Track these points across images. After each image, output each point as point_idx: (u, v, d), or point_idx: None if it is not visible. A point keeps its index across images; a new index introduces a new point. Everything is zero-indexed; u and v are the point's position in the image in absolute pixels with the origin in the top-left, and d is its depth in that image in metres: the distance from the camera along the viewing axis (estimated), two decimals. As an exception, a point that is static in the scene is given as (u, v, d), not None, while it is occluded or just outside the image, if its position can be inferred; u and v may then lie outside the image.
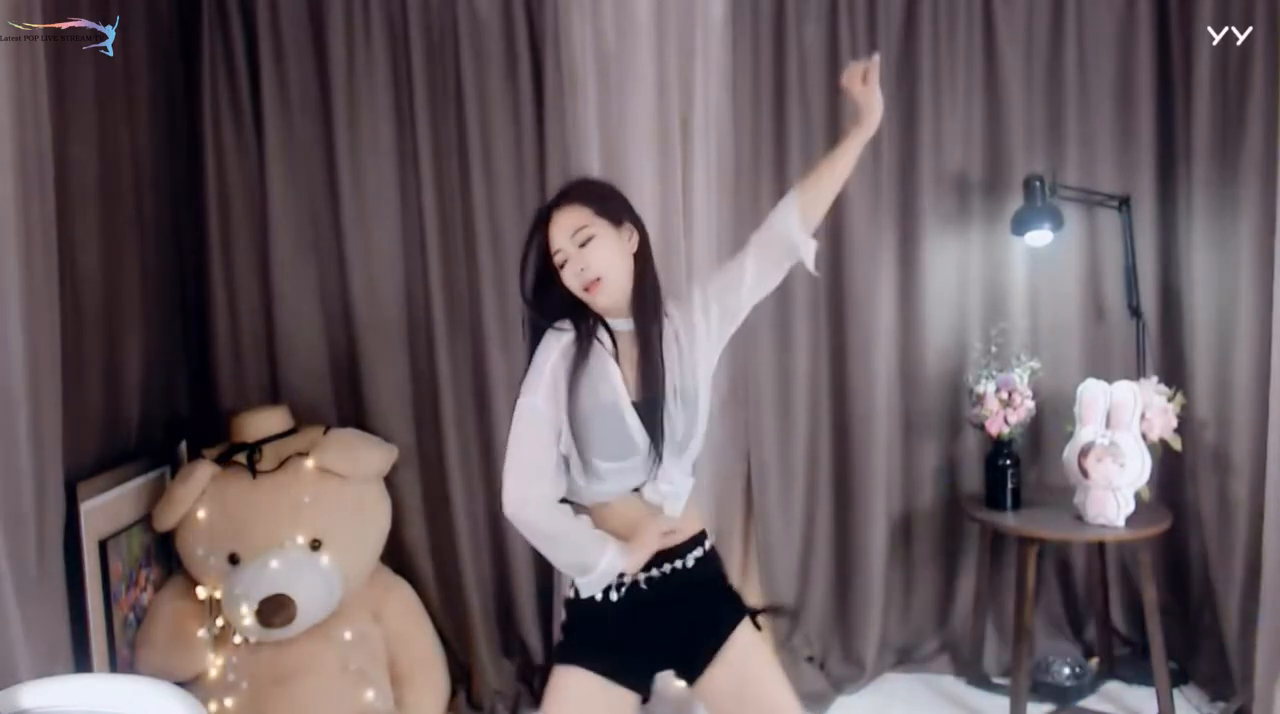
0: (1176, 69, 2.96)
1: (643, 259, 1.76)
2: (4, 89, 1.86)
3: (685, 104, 3.01)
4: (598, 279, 1.70)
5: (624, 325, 1.77)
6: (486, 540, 3.12)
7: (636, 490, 1.76)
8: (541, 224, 1.76)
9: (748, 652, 1.80)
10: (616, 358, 1.74)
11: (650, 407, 1.72)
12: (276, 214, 2.99)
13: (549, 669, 1.82)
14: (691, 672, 1.81)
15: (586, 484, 1.74)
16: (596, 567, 1.71)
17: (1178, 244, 3.01)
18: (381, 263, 3.03)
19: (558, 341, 1.73)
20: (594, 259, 1.70)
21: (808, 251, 1.80)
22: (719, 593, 1.84)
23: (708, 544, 1.86)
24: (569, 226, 1.72)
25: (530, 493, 1.70)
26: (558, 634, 1.88)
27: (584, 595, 1.76)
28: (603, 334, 1.76)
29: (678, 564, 1.79)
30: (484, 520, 3.11)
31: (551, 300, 1.77)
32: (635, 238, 1.77)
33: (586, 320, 1.76)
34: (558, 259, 1.73)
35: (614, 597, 1.76)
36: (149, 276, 2.73)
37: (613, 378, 1.72)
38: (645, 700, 1.82)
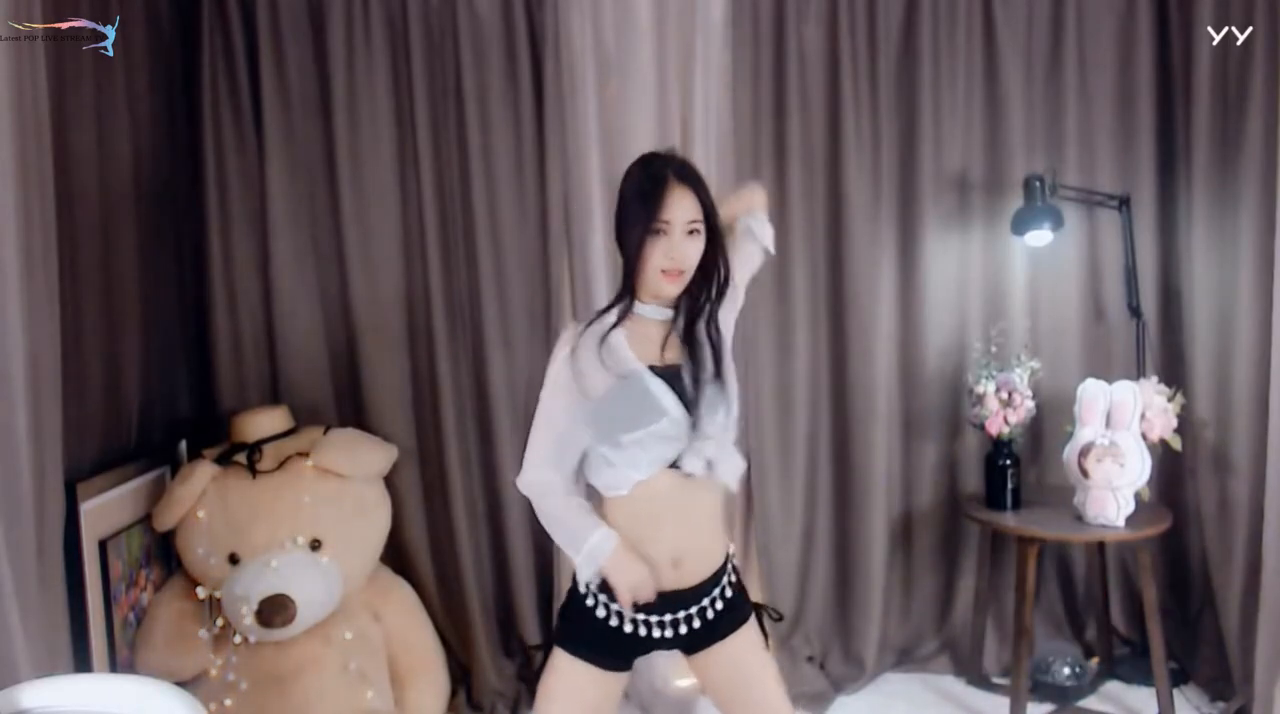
0: (1176, 69, 2.96)
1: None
2: (4, 89, 1.85)
3: (685, 104, 3.01)
4: (682, 272, 1.71)
5: (656, 313, 1.78)
6: (486, 540, 3.12)
7: (674, 466, 1.72)
8: (660, 188, 1.68)
9: (749, 647, 1.82)
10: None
11: (672, 374, 1.73)
12: (276, 214, 2.99)
13: (548, 648, 1.81)
14: (688, 651, 1.82)
15: (621, 464, 1.72)
16: (580, 550, 1.71)
17: (1178, 244, 3.01)
18: (381, 263, 3.03)
19: (567, 342, 1.77)
20: (692, 255, 1.72)
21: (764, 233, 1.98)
22: (733, 604, 1.83)
23: (733, 576, 1.85)
24: (690, 212, 1.70)
25: (532, 476, 1.78)
26: (556, 614, 1.89)
27: (580, 587, 1.75)
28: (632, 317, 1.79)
29: (699, 619, 1.77)
30: (484, 520, 3.11)
31: None
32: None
33: (624, 301, 1.77)
34: (658, 227, 1.68)
35: (626, 628, 1.74)
36: (149, 276, 2.73)
37: (624, 350, 1.73)
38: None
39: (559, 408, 1.75)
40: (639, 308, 1.78)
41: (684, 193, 1.70)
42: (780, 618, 1.92)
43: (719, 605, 1.79)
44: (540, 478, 1.77)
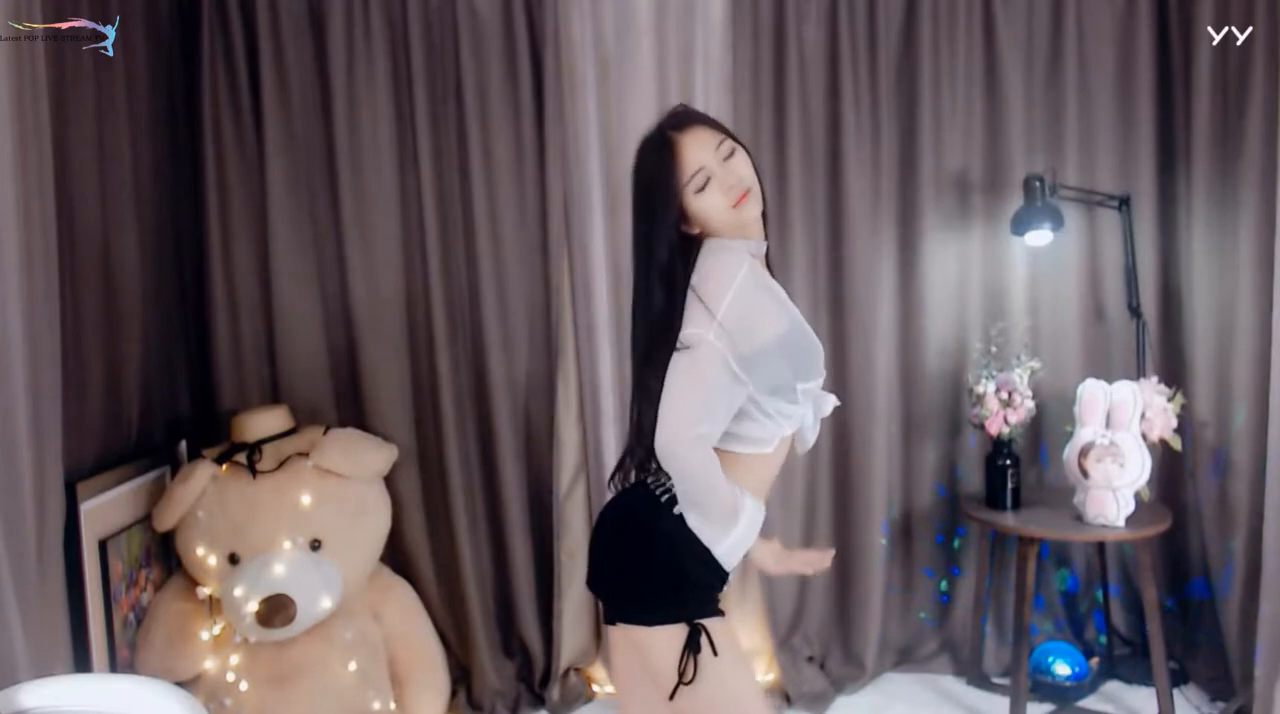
0: (1176, 69, 2.96)
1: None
2: (4, 89, 1.86)
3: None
4: (748, 190, 1.65)
5: (757, 248, 1.71)
6: (486, 540, 3.12)
7: None
8: (667, 151, 1.63)
9: None
10: None
11: None
12: (276, 214, 2.99)
13: (696, 628, 1.61)
14: None
15: (789, 415, 1.66)
16: (740, 515, 1.63)
17: (1178, 244, 3.01)
18: (381, 263, 3.03)
19: (739, 267, 1.62)
20: (744, 171, 1.65)
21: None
22: None
23: None
24: (709, 143, 1.65)
25: (696, 431, 1.56)
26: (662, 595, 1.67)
27: (728, 565, 1.65)
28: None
29: None
30: (484, 520, 3.11)
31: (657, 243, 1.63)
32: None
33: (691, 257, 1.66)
34: (698, 181, 1.63)
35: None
36: (149, 276, 2.73)
37: (781, 291, 1.68)
38: None
39: (725, 353, 1.58)
40: (742, 246, 1.66)
41: (695, 132, 1.66)
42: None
43: None
44: (707, 431, 1.56)
